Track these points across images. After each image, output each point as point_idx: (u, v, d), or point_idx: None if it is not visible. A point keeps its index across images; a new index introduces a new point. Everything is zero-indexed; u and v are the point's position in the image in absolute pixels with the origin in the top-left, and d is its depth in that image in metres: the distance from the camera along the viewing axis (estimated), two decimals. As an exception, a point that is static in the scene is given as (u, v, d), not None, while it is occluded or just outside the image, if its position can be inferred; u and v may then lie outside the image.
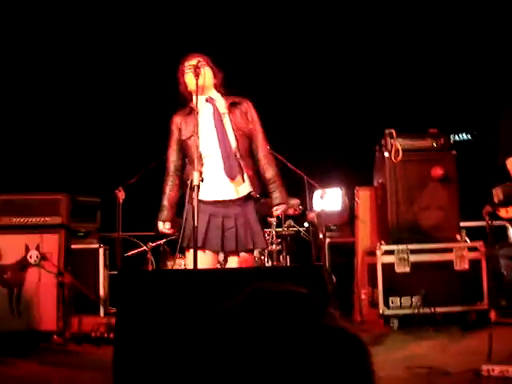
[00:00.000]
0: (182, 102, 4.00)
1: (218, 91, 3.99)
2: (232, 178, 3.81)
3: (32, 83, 7.27)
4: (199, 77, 3.73)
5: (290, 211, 5.79)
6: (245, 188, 3.91)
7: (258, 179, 3.97)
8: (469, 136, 7.56)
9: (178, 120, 3.95)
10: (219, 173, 3.82)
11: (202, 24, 7.00)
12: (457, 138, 7.20)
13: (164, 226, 3.99)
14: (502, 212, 3.89)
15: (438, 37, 7.42)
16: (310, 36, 7.51)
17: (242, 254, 3.92)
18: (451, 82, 7.37)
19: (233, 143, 3.86)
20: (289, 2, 7.37)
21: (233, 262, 3.97)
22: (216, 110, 3.88)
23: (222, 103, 3.95)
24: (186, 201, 3.81)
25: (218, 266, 4.47)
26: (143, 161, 5.44)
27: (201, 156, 3.63)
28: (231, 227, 3.81)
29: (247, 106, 3.98)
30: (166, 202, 3.96)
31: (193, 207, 3.47)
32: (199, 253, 3.60)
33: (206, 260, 3.78)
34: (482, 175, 5.68)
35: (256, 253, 5.48)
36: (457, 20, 7.26)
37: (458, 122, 7.13)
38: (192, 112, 3.81)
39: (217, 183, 3.82)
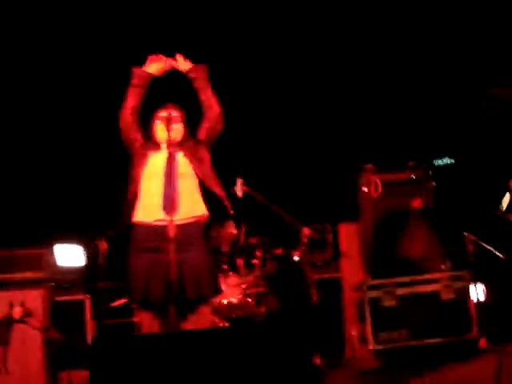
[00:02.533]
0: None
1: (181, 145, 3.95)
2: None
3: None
4: (170, 132, 3.75)
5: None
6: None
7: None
8: (452, 160, 7.60)
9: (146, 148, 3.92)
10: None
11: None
12: (440, 162, 7.23)
13: None
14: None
15: (418, 64, 7.50)
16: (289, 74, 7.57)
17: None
18: (434, 107, 7.43)
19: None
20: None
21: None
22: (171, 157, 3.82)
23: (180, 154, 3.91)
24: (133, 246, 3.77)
25: None
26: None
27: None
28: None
29: (202, 149, 3.94)
30: None
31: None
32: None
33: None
34: (463, 199, 5.74)
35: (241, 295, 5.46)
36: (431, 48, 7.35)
37: (440, 147, 7.18)
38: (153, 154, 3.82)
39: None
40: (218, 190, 3.87)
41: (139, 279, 3.66)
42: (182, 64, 3.99)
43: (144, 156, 3.85)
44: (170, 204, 3.61)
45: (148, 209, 3.75)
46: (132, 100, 3.90)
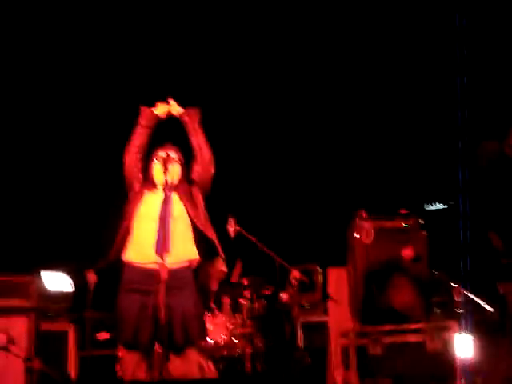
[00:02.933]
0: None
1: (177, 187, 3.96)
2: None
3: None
4: (166, 172, 3.76)
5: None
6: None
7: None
8: (443, 205, 7.63)
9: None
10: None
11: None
12: (430, 207, 7.26)
13: None
14: None
15: (409, 109, 7.57)
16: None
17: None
18: (424, 152, 7.48)
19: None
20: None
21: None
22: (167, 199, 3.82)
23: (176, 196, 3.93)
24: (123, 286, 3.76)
25: None
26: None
27: None
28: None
29: (196, 192, 3.95)
30: None
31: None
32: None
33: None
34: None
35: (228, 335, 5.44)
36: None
37: (431, 192, 7.22)
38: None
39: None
40: (210, 234, 3.87)
41: (129, 321, 3.64)
42: (175, 108, 4.03)
43: (140, 194, 3.86)
44: (162, 246, 3.62)
45: (140, 249, 3.75)
46: (139, 139, 3.93)
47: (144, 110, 4.01)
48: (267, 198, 7.57)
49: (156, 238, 3.58)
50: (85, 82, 7.29)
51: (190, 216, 3.83)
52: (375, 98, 7.56)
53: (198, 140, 3.95)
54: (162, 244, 3.61)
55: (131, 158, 3.90)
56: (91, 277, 5.29)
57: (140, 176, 3.91)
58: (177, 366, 3.67)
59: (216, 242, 3.86)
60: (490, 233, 3.82)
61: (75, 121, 7.35)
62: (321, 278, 6.26)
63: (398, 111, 7.55)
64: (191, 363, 3.76)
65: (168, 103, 4.05)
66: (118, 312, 3.71)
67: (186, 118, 3.99)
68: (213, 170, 3.98)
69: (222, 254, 3.92)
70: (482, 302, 5.65)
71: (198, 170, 3.95)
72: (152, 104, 4.08)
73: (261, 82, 7.51)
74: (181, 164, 3.93)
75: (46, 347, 5.59)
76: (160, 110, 4.02)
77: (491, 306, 5.74)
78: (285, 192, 7.62)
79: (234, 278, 5.94)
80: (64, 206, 7.40)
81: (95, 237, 6.93)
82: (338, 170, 7.61)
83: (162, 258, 3.55)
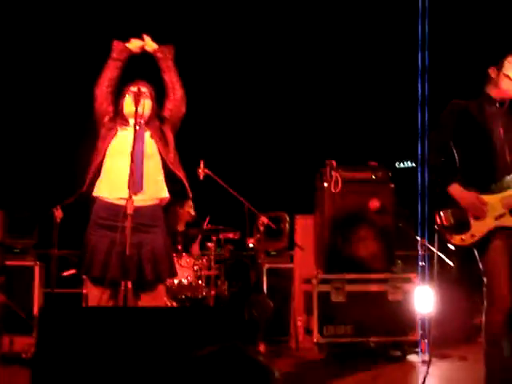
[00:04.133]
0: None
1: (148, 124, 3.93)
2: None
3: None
4: (138, 106, 3.73)
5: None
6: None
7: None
8: (413, 164, 7.69)
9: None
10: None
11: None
12: (401, 165, 7.32)
13: None
14: (456, 239, 3.60)
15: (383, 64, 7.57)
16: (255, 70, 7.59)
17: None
18: (397, 111, 7.51)
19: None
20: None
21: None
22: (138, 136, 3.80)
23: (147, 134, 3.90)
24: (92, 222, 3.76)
25: None
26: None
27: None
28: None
29: (167, 131, 3.94)
30: None
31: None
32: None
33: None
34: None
35: (192, 277, 5.48)
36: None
37: (402, 150, 7.27)
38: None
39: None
40: (180, 172, 3.87)
41: (98, 257, 3.64)
42: (149, 44, 3.99)
43: (112, 130, 3.83)
44: (136, 184, 3.62)
45: (112, 186, 3.73)
46: (110, 72, 3.88)
47: (117, 44, 3.95)
48: (238, 145, 7.56)
49: (129, 174, 3.57)
50: (62, 14, 7.15)
51: (160, 154, 3.82)
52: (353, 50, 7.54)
53: (171, 77, 3.93)
54: (136, 182, 3.61)
55: (102, 90, 3.86)
56: (58, 213, 5.27)
57: (110, 109, 3.87)
58: (145, 302, 3.71)
59: (185, 181, 3.87)
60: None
61: (49, 51, 7.23)
62: (288, 226, 6.31)
63: (374, 64, 7.55)
64: (159, 300, 3.80)
65: (142, 39, 4.01)
66: (87, 247, 3.70)
67: (160, 55, 3.96)
68: (184, 110, 3.96)
69: (190, 193, 3.92)
70: (443, 256, 5.78)
71: (169, 108, 3.93)
72: (126, 39, 4.04)
73: (236, 25, 7.43)
74: (152, 99, 3.90)
75: (13, 281, 5.60)
76: (133, 44, 3.97)
77: (451, 260, 5.88)
78: (256, 139, 7.61)
79: (202, 224, 5.98)
80: (33, 141, 7.32)
81: (61, 173, 6.92)
82: (312, 119, 7.61)
83: (134, 194, 3.55)
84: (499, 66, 3.71)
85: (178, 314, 2.72)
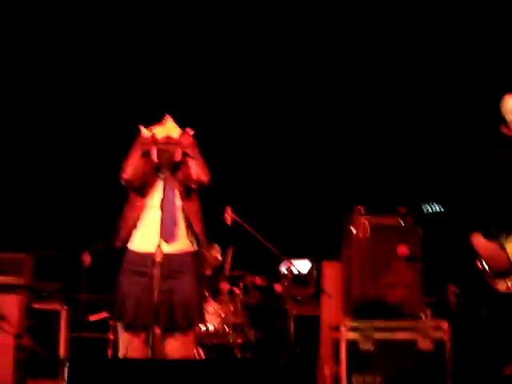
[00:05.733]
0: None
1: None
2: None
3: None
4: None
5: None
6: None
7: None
8: (442, 208, 7.63)
9: None
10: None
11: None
12: (429, 209, 7.27)
13: None
14: (502, 286, 3.52)
15: (411, 112, 7.56)
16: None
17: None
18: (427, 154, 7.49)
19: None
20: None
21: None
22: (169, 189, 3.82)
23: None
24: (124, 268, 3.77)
25: None
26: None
27: None
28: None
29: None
30: None
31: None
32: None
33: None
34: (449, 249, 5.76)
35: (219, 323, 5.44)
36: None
37: (430, 194, 7.23)
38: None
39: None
40: (197, 226, 3.87)
41: (130, 302, 3.66)
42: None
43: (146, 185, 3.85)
44: (167, 232, 3.67)
45: (146, 237, 3.76)
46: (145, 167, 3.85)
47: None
48: (266, 191, 7.57)
49: (160, 224, 3.60)
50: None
51: (183, 206, 3.85)
52: (381, 90, 7.55)
53: (193, 166, 3.87)
54: (168, 230, 3.66)
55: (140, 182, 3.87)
56: (86, 259, 5.31)
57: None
58: (175, 348, 3.70)
59: (200, 236, 3.87)
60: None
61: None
62: (315, 272, 6.26)
63: (402, 109, 7.55)
64: (189, 346, 3.80)
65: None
66: (119, 293, 3.72)
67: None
68: (208, 183, 3.93)
69: (204, 246, 3.95)
70: (472, 303, 5.67)
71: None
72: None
73: (260, 78, 7.50)
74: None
75: (39, 325, 5.62)
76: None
77: (483, 307, 5.76)
78: (284, 185, 7.62)
79: (227, 266, 5.95)
80: (64, 186, 7.40)
81: (89, 217, 6.97)
82: (338, 164, 7.61)
83: (167, 243, 3.60)
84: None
85: (207, 366, 2.69)
